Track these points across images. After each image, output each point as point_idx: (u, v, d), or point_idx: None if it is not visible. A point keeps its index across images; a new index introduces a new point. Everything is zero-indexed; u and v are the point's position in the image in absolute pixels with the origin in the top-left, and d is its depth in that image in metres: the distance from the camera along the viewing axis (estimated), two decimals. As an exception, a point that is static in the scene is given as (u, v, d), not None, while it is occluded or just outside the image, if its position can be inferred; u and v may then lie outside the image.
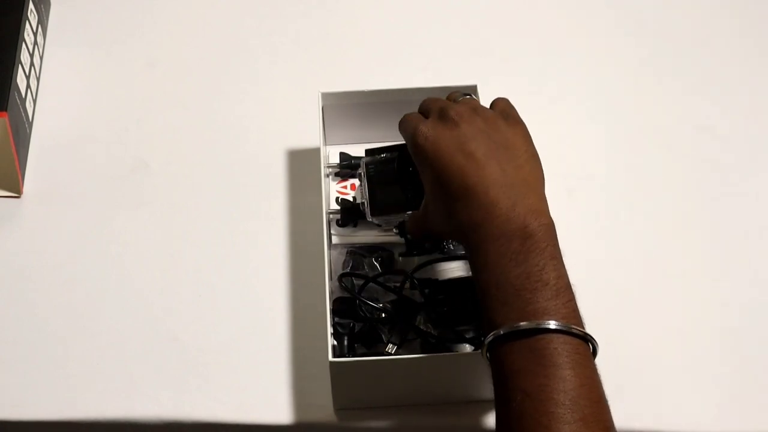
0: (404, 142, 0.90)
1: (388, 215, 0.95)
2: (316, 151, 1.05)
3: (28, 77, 1.13)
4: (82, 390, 0.95)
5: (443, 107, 0.87)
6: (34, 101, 1.16)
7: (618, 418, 0.94)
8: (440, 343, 0.95)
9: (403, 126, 0.89)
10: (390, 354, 0.93)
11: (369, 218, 0.95)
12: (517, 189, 0.81)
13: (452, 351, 0.95)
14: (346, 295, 0.98)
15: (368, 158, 0.97)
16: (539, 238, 0.78)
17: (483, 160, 0.82)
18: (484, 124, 0.85)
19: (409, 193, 0.92)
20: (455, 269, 1.01)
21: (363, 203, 0.96)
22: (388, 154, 0.96)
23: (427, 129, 0.85)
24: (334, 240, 1.03)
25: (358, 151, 1.09)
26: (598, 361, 0.97)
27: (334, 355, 0.92)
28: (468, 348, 0.96)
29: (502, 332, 0.76)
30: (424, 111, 0.90)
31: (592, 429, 0.72)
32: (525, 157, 0.84)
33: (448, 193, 0.82)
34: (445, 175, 0.82)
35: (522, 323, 0.75)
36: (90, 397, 0.95)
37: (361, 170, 0.96)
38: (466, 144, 0.82)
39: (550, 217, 0.81)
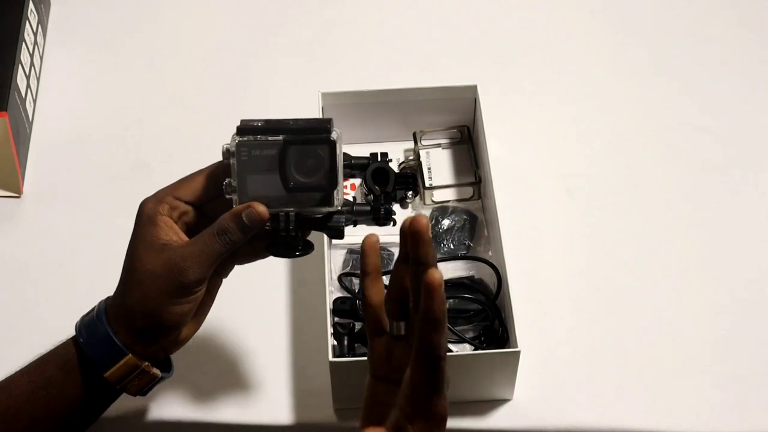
0: (287, 119, 0.79)
1: None
2: (316, 151, 1.05)
3: (28, 77, 1.13)
4: (82, 390, 0.95)
5: None
6: (34, 101, 1.16)
7: (618, 418, 0.95)
8: (440, 343, 0.95)
9: None
10: (390, 354, 0.93)
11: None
12: None
13: (452, 351, 0.95)
14: (346, 295, 0.98)
15: (242, 139, 0.79)
16: None
17: None
18: None
19: (289, 185, 0.79)
20: (455, 269, 1.01)
21: (230, 184, 0.80)
22: (268, 138, 0.79)
23: None
24: (334, 240, 1.03)
25: (358, 151, 1.09)
26: (599, 360, 0.98)
27: (334, 355, 0.92)
28: (468, 348, 0.96)
29: None
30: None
31: None
32: None
33: None
34: None
35: None
36: (90, 397, 0.95)
37: (232, 148, 0.79)
38: None
39: None
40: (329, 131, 0.79)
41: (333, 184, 0.79)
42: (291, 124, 0.79)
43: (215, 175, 0.81)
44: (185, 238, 0.80)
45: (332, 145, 0.79)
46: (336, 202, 0.80)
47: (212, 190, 0.81)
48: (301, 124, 0.80)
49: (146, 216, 0.80)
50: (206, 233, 0.78)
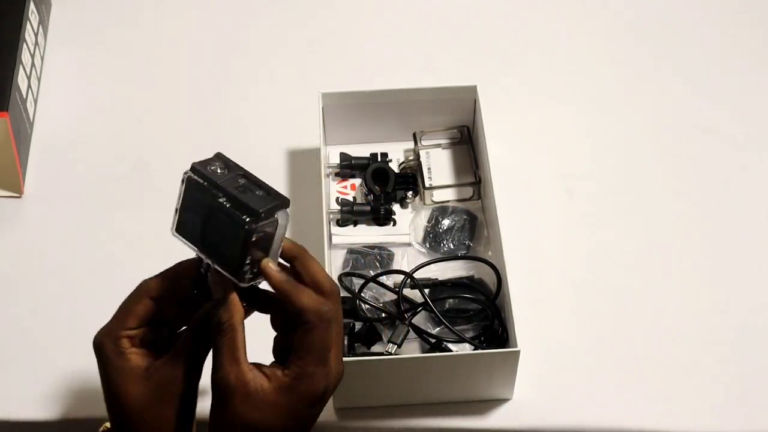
0: (247, 176, 0.74)
1: (186, 240, 0.77)
2: (316, 152, 1.05)
3: (29, 77, 1.13)
4: (83, 390, 0.95)
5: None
6: (35, 101, 1.16)
7: (618, 417, 0.95)
8: (440, 343, 0.95)
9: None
10: (390, 354, 0.93)
11: (172, 231, 0.78)
12: None
13: (452, 351, 0.95)
14: (346, 295, 0.98)
15: (192, 175, 0.75)
16: None
17: None
18: None
19: (203, 241, 0.75)
20: (455, 269, 1.01)
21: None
22: (226, 174, 0.74)
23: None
24: (334, 240, 1.03)
25: (358, 151, 1.09)
26: (599, 360, 0.98)
27: (334, 355, 0.92)
28: (468, 348, 0.96)
29: None
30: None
31: None
32: None
33: None
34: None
35: None
36: (90, 396, 0.95)
37: (187, 173, 0.76)
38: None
39: None
40: (256, 217, 0.71)
41: (233, 266, 0.73)
42: (240, 183, 0.74)
43: (155, 294, 0.78)
44: (155, 356, 0.77)
45: (247, 234, 0.71)
46: (243, 282, 0.74)
47: (158, 308, 0.78)
48: (247, 194, 0.73)
49: (113, 354, 0.77)
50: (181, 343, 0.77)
